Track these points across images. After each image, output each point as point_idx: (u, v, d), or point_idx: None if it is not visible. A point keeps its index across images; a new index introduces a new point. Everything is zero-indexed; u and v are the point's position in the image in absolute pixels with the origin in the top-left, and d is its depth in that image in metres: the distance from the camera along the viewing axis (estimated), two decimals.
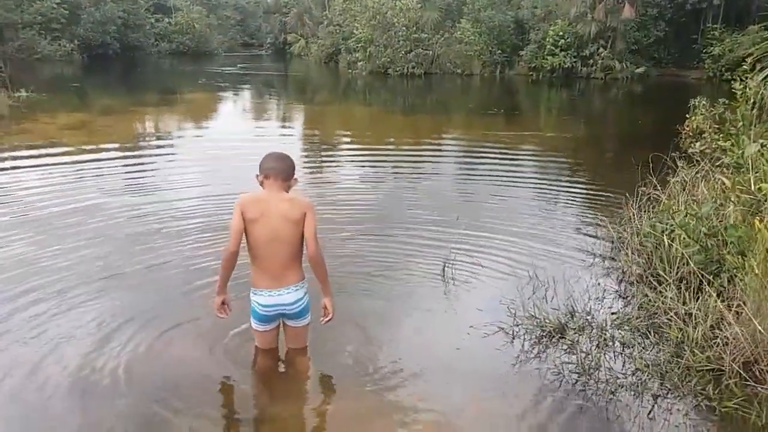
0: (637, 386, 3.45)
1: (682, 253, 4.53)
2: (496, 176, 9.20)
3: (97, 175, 8.63)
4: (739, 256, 4.08)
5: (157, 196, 7.55)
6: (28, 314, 4.18)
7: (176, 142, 12.64)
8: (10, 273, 4.88)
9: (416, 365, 3.65)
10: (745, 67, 7.30)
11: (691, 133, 8.48)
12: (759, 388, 3.35)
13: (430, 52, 31.29)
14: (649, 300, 4.36)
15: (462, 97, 24.11)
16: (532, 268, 5.04)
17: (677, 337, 3.82)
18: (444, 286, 4.89)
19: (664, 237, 4.86)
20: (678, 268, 4.55)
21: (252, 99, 22.97)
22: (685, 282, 4.38)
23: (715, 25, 28.16)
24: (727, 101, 7.80)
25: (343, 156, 11.47)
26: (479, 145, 12.33)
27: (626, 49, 29.22)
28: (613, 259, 5.42)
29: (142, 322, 4.11)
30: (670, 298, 4.21)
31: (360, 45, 32.65)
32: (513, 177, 9.21)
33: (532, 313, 4.21)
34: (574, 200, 7.92)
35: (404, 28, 30.95)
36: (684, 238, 4.69)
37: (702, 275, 4.26)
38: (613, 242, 5.72)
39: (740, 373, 3.42)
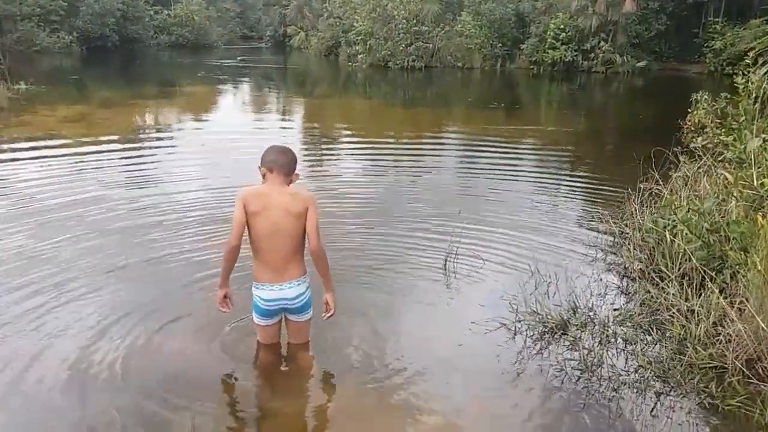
0: (640, 383, 3.44)
1: (685, 249, 4.51)
2: (497, 170, 9.17)
3: (96, 168, 8.61)
4: (742, 252, 4.06)
5: (156, 189, 7.53)
6: (27, 306, 4.17)
7: (176, 134, 12.59)
8: (9, 265, 4.87)
9: (418, 362, 3.63)
10: (747, 61, 7.26)
11: (692, 128, 8.44)
12: (762, 386, 3.33)
13: (431, 45, 31.15)
14: (652, 296, 4.34)
15: (462, 90, 24.04)
16: (534, 263, 5.02)
17: (680, 334, 3.80)
18: (445, 280, 4.88)
19: (666, 232, 4.84)
20: (680, 264, 4.53)
21: (251, 92, 22.89)
22: (687, 278, 4.36)
23: (717, 19, 28.02)
24: (729, 95, 7.76)
25: (343, 149, 11.43)
26: (480, 138, 12.30)
27: (627, 42, 29.10)
28: (614, 254, 5.40)
29: (142, 315, 4.10)
30: (673, 294, 4.19)
31: (360, 38, 32.49)
32: (514, 171, 9.19)
33: (534, 309, 4.19)
34: (576, 195, 7.90)
35: (404, 20, 30.80)
36: (686, 234, 4.66)
37: (704, 271, 4.24)
38: (614, 237, 5.71)
39: (743, 371, 3.40)
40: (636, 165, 6.48)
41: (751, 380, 3.38)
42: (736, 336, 3.54)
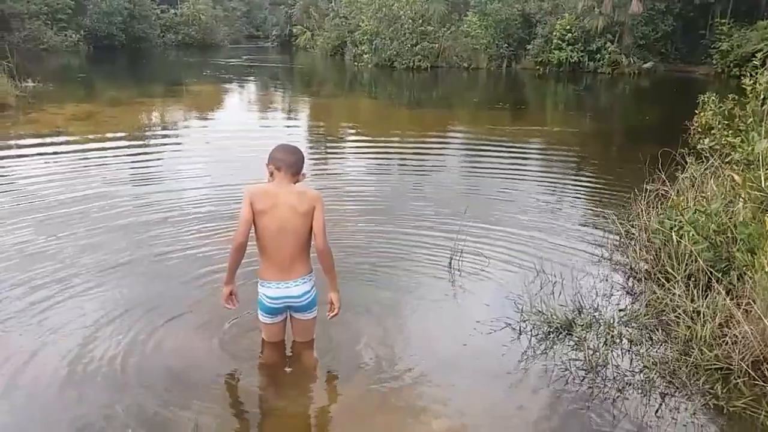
0: (645, 384, 3.42)
1: (691, 250, 4.48)
2: (503, 170, 9.15)
3: (102, 165, 8.63)
4: (749, 254, 4.04)
5: (161, 186, 7.55)
6: (30, 302, 4.18)
7: (181, 133, 12.61)
8: (13, 261, 4.89)
9: (422, 361, 3.62)
10: (754, 62, 7.23)
11: (699, 129, 8.39)
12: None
13: (437, 45, 31.11)
14: (657, 297, 4.32)
15: (468, 90, 23.99)
16: (539, 262, 5.01)
17: (685, 335, 3.78)
18: (450, 278, 4.87)
19: (673, 233, 4.81)
20: (686, 265, 4.50)
21: (257, 91, 22.89)
22: (693, 279, 4.34)
23: (724, 20, 27.86)
24: (736, 97, 7.72)
25: (348, 148, 11.43)
26: (485, 138, 12.27)
27: (633, 43, 28.99)
28: (620, 254, 5.37)
29: (145, 311, 4.10)
30: (678, 295, 4.17)
31: (366, 38, 32.46)
32: (519, 171, 9.17)
33: (539, 309, 4.18)
34: (581, 195, 7.87)
35: (410, 20, 30.75)
36: (693, 235, 4.64)
37: (711, 272, 4.21)
38: (620, 238, 5.68)
39: (749, 372, 3.38)
40: (642, 166, 6.44)
41: (757, 382, 3.35)
42: (742, 337, 3.52)
